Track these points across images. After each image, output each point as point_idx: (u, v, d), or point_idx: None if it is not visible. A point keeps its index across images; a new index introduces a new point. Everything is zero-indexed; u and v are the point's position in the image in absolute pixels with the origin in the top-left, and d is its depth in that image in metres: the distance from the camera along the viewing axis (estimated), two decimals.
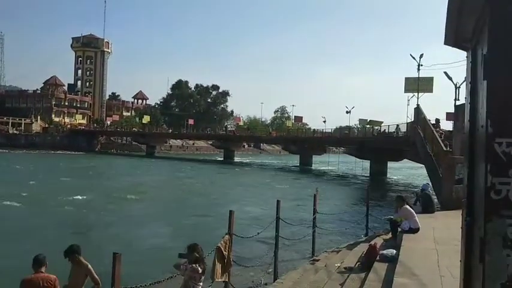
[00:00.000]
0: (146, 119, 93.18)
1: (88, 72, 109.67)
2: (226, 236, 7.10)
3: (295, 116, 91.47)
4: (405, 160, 41.53)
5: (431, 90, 37.16)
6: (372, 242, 9.14)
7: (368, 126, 55.44)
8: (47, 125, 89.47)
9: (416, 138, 25.40)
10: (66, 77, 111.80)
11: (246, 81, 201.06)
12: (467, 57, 2.97)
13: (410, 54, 35.30)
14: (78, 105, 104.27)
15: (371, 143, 46.28)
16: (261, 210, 19.75)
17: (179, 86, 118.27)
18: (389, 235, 10.58)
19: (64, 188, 26.16)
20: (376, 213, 16.03)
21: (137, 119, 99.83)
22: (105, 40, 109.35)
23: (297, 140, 66.38)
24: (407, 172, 51.60)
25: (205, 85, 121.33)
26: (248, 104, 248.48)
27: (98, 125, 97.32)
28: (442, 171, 15.30)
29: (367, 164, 49.02)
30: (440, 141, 18.01)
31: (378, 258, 7.94)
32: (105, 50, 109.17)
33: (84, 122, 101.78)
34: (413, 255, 7.41)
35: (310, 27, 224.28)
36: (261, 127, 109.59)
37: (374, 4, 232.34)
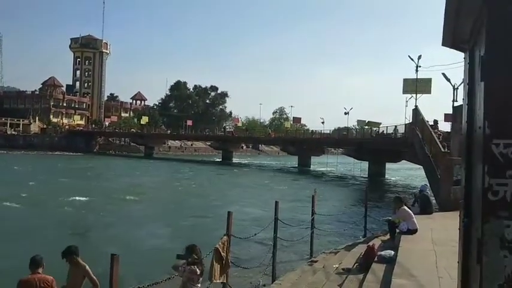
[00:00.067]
0: (144, 120, 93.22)
1: (86, 73, 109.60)
2: (225, 237, 7.10)
3: (293, 117, 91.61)
4: (403, 161, 41.63)
5: (429, 92, 37.18)
6: (370, 243, 9.15)
7: (366, 127, 55.51)
8: (45, 126, 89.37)
9: (414, 140, 25.43)
10: (65, 77, 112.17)
11: (246, 82, 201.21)
12: (464, 58, 2.98)
13: (409, 56, 35.24)
14: (77, 106, 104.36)
15: (369, 144, 46.29)
16: (259, 211, 19.69)
17: (178, 87, 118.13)
18: (388, 236, 10.58)
19: (63, 189, 26.12)
20: (375, 214, 16.01)
21: (135, 120, 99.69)
22: (104, 41, 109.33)
23: (296, 141, 66.44)
24: (405, 173, 51.68)
25: (204, 86, 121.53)
26: (247, 104, 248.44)
27: (96, 126, 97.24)
28: (440, 173, 15.33)
29: (365, 165, 49.06)
30: (438, 142, 18.06)
31: (376, 259, 7.93)
32: (104, 51, 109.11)
33: (82, 123, 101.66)
34: (411, 256, 7.41)
35: (310, 27, 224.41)
36: (260, 128, 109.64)
37: (374, 4, 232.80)
